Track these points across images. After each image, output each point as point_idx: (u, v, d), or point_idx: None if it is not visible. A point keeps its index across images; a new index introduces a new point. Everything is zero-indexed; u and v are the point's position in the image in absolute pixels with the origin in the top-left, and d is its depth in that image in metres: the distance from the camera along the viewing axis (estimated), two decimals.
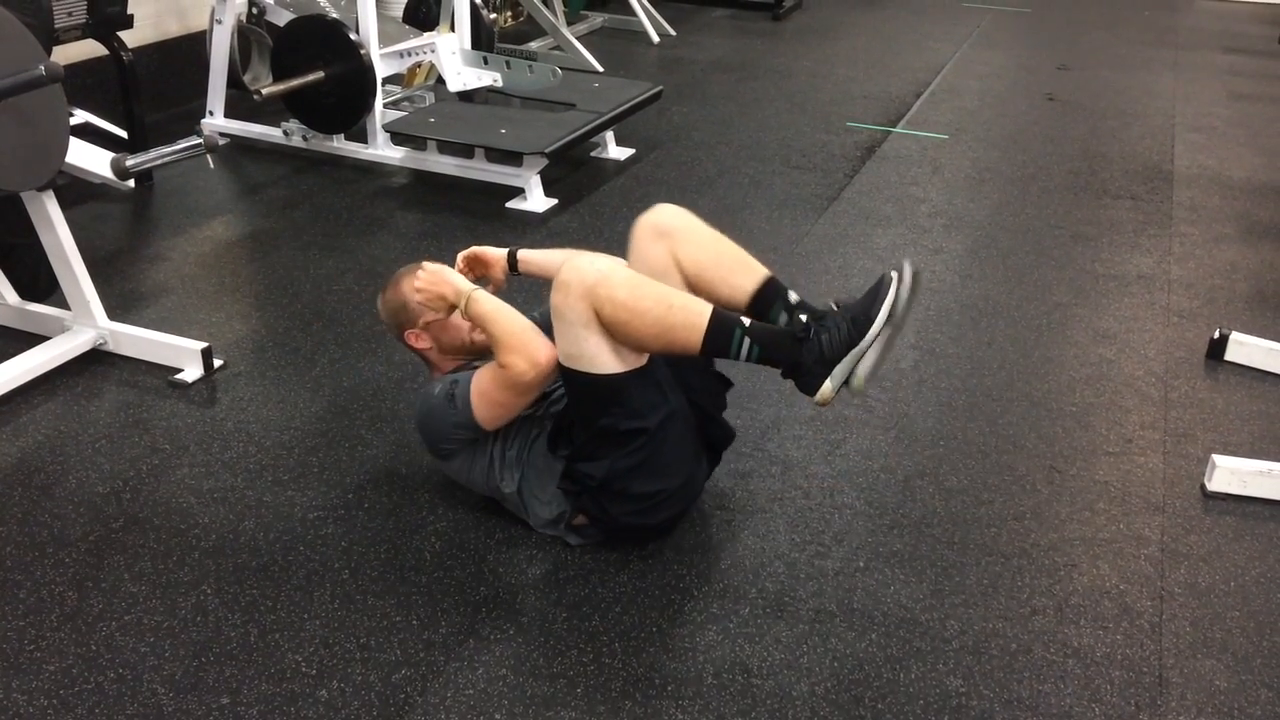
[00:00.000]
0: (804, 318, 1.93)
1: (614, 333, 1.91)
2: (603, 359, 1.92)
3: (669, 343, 1.92)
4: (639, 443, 1.97)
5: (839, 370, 1.88)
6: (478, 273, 2.33)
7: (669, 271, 2.07)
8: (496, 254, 2.30)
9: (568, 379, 2.00)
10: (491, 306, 2.04)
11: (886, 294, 1.86)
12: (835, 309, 1.94)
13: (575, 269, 1.91)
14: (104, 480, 2.28)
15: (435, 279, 2.10)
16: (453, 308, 2.09)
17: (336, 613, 1.94)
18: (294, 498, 2.25)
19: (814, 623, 1.96)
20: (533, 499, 2.12)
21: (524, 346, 1.98)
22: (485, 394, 2.03)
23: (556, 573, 2.06)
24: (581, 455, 2.02)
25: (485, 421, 2.06)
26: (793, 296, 2.03)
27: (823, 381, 1.89)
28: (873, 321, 1.85)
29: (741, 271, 2.07)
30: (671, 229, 2.10)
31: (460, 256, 2.32)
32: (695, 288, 2.07)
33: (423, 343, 2.21)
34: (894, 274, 1.88)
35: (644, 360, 1.97)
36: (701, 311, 1.91)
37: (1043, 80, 5.61)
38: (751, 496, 2.29)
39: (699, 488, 2.19)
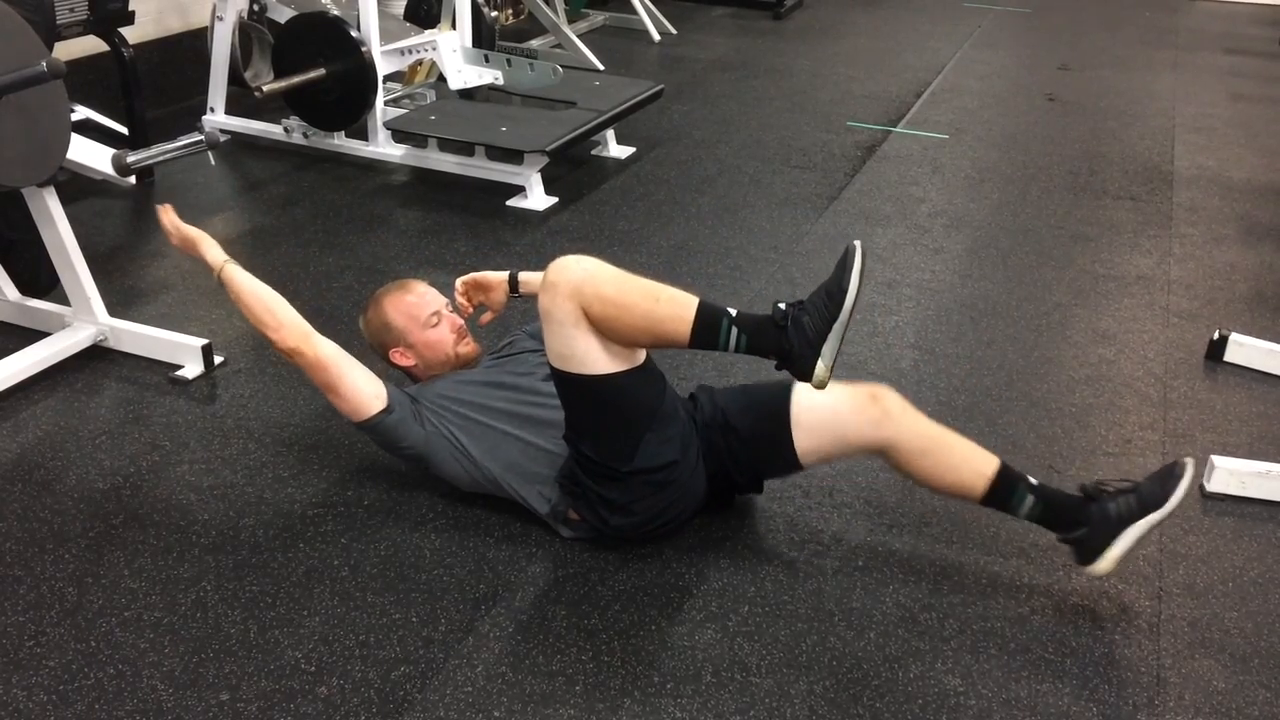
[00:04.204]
0: (782, 305, 1.90)
1: (603, 330, 1.89)
2: (594, 358, 1.90)
3: (658, 336, 1.91)
4: (663, 476, 1.99)
5: (827, 349, 1.85)
6: (476, 299, 2.33)
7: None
8: (498, 278, 2.30)
9: (561, 382, 1.98)
10: (237, 285, 2.21)
11: (854, 261, 1.84)
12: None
13: (561, 268, 1.89)
14: (104, 476, 2.28)
15: (186, 241, 2.31)
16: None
17: (336, 610, 1.94)
18: (294, 494, 2.25)
19: (813, 621, 1.96)
20: (526, 489, 2.11)
21: (264, 323, 2.16)
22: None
23: (556, 571, 2.06)
24: (595, 470, 2.00)
25: (348, 413, 2.12)
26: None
27: (814, 363, 1.86)
28: (846, 292, 1.83)
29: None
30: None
31: (459, 282, 2.31)
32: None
33: (407, 360, 2.23)
34: (856, 243, 1.87)
35: (640, 359, 1.96)
36: (688, 303, 1.90)
37: (1043, 80, 5.61)
38: (750, 495, 2.29)
39: (698, 499, 2.12)
